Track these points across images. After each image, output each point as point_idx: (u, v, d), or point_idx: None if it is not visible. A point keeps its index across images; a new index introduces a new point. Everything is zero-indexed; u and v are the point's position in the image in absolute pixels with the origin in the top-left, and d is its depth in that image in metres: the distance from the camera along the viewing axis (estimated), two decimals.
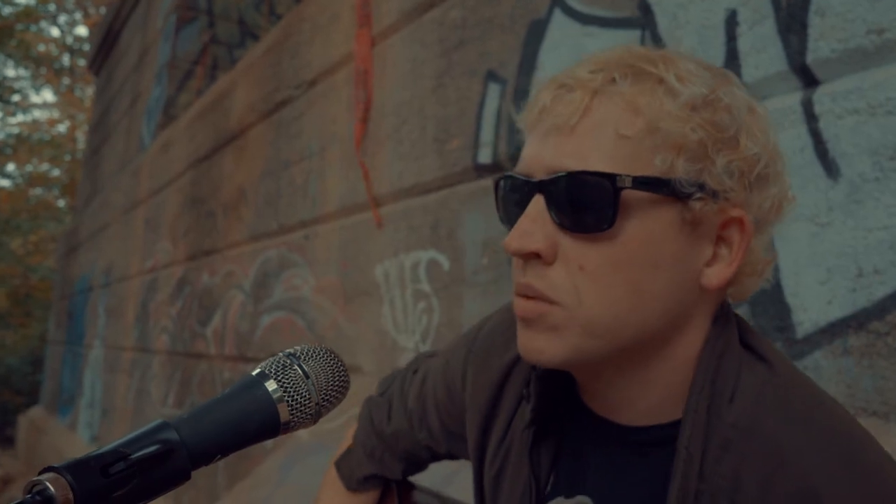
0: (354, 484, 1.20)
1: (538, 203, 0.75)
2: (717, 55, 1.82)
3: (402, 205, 3.07)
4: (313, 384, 0.67)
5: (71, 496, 0.53)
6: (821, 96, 1.59)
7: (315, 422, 0.68)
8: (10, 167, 20.63)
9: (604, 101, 0.74)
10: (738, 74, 1.76)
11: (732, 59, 1.78)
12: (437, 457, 1.17)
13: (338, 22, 3.75)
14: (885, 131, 1.47)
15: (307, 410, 0.66)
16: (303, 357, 0.68)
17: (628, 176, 0.71)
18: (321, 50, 3.91)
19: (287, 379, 0.66)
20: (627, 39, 2.09)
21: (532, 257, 0.75)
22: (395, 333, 3.00)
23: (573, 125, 0.74)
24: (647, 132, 0.72)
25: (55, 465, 0.54)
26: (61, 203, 21.20)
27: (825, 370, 1.53)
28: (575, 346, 0.75)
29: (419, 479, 1.27)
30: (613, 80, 0.74)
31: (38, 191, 21.04)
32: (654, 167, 0.72)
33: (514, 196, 0.79)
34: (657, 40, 1.98)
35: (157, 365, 6.19)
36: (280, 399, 0.64)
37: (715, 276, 0.76)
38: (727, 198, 0.73)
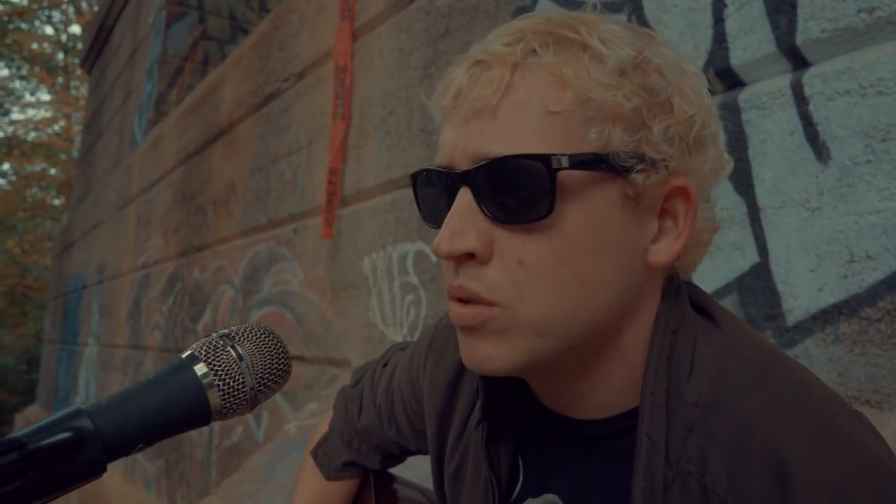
0: (333, 472, 1.17)
1: (465, 197, 0.68)
2: (705, 38, 1.77)
3: (390, 196, 3.03)
4: (248, 367, 0.61)
5: None
6: (811, 78, 1.55)
7: (252, 409, 0.62)
8: (6, 166, 20.61)
9: (526, 75, 0.67)
10: (726, 57, 1.72)
11: (720, 42, 1.74)
12: (408, 452, 1.14)
13: (325, 13, 3.70)
14: (877, 113, 1.42)
15: (241, 396, 0.61)
16: (238, 338, 0.62)
17: (564, 155, 0.64)
18: (309, 42, 3.86)
19: (219, 362, 0.60)
20: None
21: (466, 259, 0.68)
22: (384, 326, 2.96)
23: (494, 106, 0.67)
24: (577, 105, 0.65)
25: None
26: (57, 202, 21.17)
27: (816, 358, 1.48)
28: (525, 348, 0.68)
29: (400, 470, 1.23)
30: (534, 50, 0.68)
31: (34, 190, 21.00)
32: (589, 142, 0.65)
33: (437, 192, 0.72)
34: (644, 25, 1.93)
35: (149, 361, 6.15)
36: (211, 384, 0.59)
37: (663, 251, 0.70)
38: (667, 166, 0.68)
